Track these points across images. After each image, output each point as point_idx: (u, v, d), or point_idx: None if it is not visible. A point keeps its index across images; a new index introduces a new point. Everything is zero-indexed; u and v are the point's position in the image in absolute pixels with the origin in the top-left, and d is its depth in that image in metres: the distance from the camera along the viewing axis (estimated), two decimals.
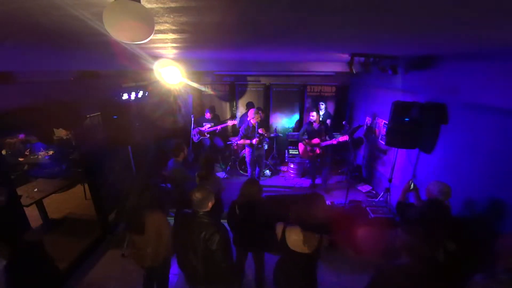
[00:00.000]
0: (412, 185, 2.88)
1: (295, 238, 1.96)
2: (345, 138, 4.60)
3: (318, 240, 1.92)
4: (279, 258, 2.21)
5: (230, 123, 6.12)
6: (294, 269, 2.06)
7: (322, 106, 6.15)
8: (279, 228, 2.07)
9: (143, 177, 4.42)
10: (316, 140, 4.84)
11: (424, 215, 2.25)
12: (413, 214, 2.59)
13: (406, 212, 2.75)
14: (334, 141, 4.70)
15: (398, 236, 1.68)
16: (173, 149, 3.51)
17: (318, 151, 4.91)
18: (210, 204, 2.07)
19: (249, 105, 6.58)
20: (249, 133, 4.82)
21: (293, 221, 2.02)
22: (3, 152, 4.92)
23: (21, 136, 5.26)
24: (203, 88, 6.85)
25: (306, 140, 4.92)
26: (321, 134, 4.86)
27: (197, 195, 2.01)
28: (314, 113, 4.75)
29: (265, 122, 5.31)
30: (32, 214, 3.54)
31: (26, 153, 5.29)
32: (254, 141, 4.75)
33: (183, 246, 2.12)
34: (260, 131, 4.81)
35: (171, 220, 4.23)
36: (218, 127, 6.01)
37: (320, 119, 4.91)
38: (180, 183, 3.47)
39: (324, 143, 4.79)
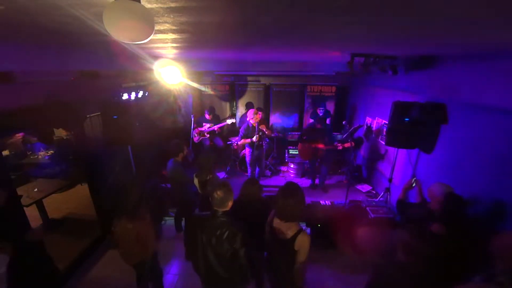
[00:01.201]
0: (414, 183, 2.88)
1: (276, 223, 2.08)
2: (348, 145, 4.65)
3: (297, 230, 1.97)
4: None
5: (228, 121, 6.12)
6: (275, 254, 2.17)
7: (322, 109, 6.17)
8: (272, 213, 2.19)
9: (142, 177, 4.43)
10: (321, 146, 4.86)
11: (447, 211, 2.26)
12: (414, 213, 2.59)
13: (405, 211, 2.76)
14: (339, 147, 4.79)
15: (401, 235, 1.69)
16: (172, 149, 3.51)
17: (318, 152, 4.91)
18: (230, 203, 2.02)
19: (249, 105, 6.58)
20: (249, 133, 4.82)
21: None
22: (6, 152, 4.93)
23: (21, 134, 5.26)
24: (203, 88, 6.84)
25: (313, 145, 4.92)
26: (322, 135, 4.86)
27: (219, 193, 1.95)
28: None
29: (265, 122, 5.31)
30: (32, 214, 3.52)
31: (27, 152, 5.30)
32: (254, 138, 4.76)
33: (201, 248, 2.08)
34: (261, 128, 4.82)
35: (171, 221, 4.28)
36: (216, 127, 6.01)
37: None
38: (179, 183, 3.47)
39: (327, 147, 4.81)
